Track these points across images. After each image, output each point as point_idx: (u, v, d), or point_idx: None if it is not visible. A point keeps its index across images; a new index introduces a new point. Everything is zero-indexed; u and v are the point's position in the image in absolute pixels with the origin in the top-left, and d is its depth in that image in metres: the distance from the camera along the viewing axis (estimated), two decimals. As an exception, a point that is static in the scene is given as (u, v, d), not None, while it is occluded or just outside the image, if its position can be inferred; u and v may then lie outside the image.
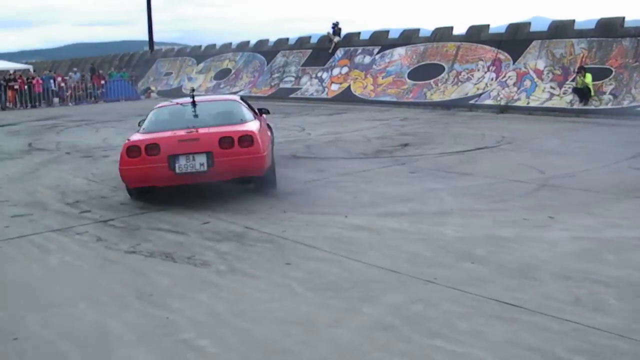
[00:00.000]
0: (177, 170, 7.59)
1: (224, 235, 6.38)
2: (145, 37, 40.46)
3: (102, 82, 31.53)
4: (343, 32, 26.88)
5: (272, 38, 30.99)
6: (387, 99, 22.04)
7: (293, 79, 26.91)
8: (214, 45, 34.26)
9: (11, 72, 35.93)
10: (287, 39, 30.13)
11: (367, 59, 24.56)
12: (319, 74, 25.92)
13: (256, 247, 5.92)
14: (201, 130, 7.80)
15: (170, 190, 8.52)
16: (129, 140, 7.96)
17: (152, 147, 7.62)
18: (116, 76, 32.71)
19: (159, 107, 9.15)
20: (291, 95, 25.62)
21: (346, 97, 23.26)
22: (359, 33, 26.83)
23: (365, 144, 12.48)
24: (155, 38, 41.29)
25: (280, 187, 8.54)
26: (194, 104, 8.54)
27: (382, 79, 23.26)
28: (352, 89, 23.91)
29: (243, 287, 4.91)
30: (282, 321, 4.24)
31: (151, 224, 6.96)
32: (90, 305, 4.70)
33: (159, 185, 8.00)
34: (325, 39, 27.26)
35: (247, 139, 7.69)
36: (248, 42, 32.01)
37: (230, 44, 33.19)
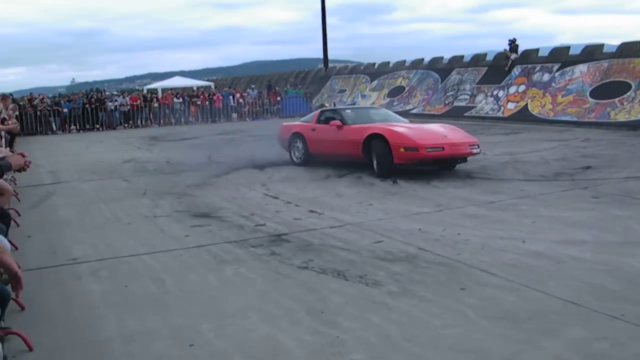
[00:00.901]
0: None
1: (397, 255, 6.32)
2: (320, 55, 41.49)
3: (278, 98, 32.69)
4: (520, 49, 26.13)
5: (447, 55, 30.74)
6: (567, 118, 21.13)
7: (468, 97, 26.49)
8: (388, 62, 34.47)
9: (194, 88, 38.18)
10: (462, 56, 29.74)
11: (546, 77, 23.70)
12: (495, 92, 25.34)
13: (429, 270, 5.81)
14: None
15: (342, 208, 8.63)
16: None
17: None
18: (291, 93, 33.76)
19: None
20: (466, 114, 25.21)
21: (523, 116, 22.56)
22: (538, 49, 25.97)
23: (544, 165, 11.99)
24: (330, 56, 42.21)
25: (455, 208, 8.40)
26: None
27: (562, 97, 22.34)
28: (530, 107, 23.15)
29: (415, 310, 4.81)
30: (455, 349, 4.11)
31: (324, 241, 7.04)
32: (263, 318, 4.79)
33: None
34: (501, 56, 26.65)
35: None
36: (422, 59, 31.93)
37: (404, 61, 33.25)
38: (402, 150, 10.99)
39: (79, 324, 4.84)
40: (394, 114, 14.43)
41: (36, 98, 29.82)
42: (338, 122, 12.65)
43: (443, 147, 11.06)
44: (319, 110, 14.43)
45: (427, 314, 4.73)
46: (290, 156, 13.81)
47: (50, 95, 35.31)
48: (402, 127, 11.96)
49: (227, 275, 5.96)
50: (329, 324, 4.59)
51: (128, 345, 4.40)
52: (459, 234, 7.03)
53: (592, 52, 23.06)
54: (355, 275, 5.72)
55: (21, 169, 4.90)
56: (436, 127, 12.51)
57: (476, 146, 11.60)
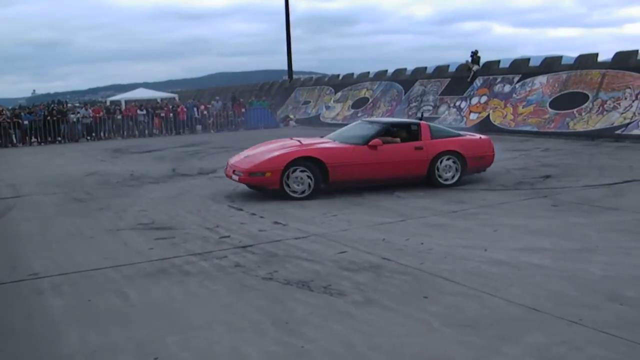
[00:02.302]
0: None
1: (361, 265, 6.36)
2: (285, 67, 41.57)
3: (243, 110, 32.63)
4: (483, 60, 26.51)
5: (410, 67, 31.03)
6: (528, 128, 21.46)
7: (431, 108, 26.75)
8: (352, 74, 34.69)
9: (158, 100, 37.96)
10: (425, 68, 30.07)
11: (507, 88, 24.07)
12: (458, 103, 25.64)
13: (393, 279, 5.86)
14: None
15: (306, 219, 8.67)
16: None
17: None
18: (256, 104, 33.73)
19: None
20: (429, 125, 25.45)
21: (485, 127, 22.79)
22: (499, 61, 26.36)
23: (505, 175, 12.18)
24: (295, 67, 42.39)
25: (418, 218, 8.49)
26: None
27: (523, 108, 22.69)
28: (492, 118, 23.47)
29: (379, 320, 4.86)
30: (419, 357, 4.16)
31: (288, 252, 7.06)
32: (228, 330, 4.80)
33: None
34: (463, 68, 26.99)
35: None
36: (386, 71, 32.20)
37: (368, 73, 33.51)
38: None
39: (41, 340, 4.78)
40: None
41: (-5, 111, 29.36)
42: None
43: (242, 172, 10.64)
44: None
45: (391, 322, 4.78)
46: None
47: (10, 107, 34.75)
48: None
49: (191, 287, 5.94)
50: (294, 334, 4.61)
51: (91, 360, 4.36)
52: (422, 243, 7.11)
53: (551, 64, 23.49)
54: (320, 285, 5.75)
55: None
56: (272, 147, 11.44)
57: (243, 173, 10.54)
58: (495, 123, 23.00)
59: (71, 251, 7.58)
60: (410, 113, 27.40)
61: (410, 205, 9.55)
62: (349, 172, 10.65)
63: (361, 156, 10.76)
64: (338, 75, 36.07)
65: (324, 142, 11.48)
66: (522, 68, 24.61)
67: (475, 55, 26.49)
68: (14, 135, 27.96)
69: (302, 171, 10.42)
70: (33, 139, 28.34)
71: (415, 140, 11.21)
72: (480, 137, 12.11)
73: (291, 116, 33.95)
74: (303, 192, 10.44)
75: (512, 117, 22.78)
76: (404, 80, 29.85)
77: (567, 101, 21.28)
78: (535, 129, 21.15)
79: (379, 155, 10.80)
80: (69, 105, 37.92)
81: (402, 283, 5.74)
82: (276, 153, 10.75)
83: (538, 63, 24.16)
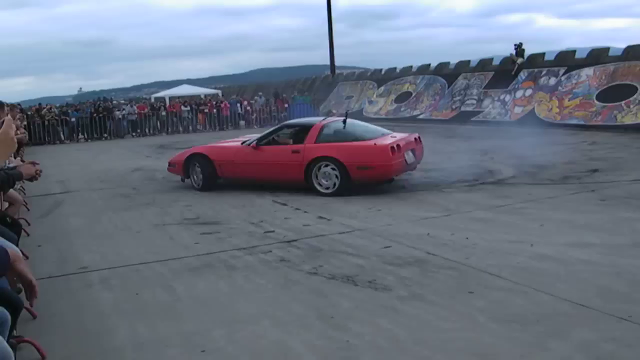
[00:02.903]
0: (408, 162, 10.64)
1: (405, 260, 6.34)
2: (327, 62, 41.53)
3: (286, 105, 32.70)
4: (527, 53, 26.11)
5: (453, 60, 30.72)
6: (574, 122, 21.08)
7: (475, 101, 26.48)
8: (395, 68, 34.48)
9: (202, 97, 38.29)
10: (469, 61, 29.71)
11: (553, 81, 23.67)
12: (502, 97, 25.32)
13: (438, 274, 5.83)
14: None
15: (350, 214, 8.67)
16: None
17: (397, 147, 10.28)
18: (299, 100, 33.77)
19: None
20: (473, 119, 25.20)
21: (530, 121, 22.50)
22: (544, 54, 25.91)
23: (551, 169, 11.99)
24: (337, 62, 42.27)
25: (463, 213, 8.43)
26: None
27: (569, 101, 22.30)
28: (537, 111, 23.12)
29: (424, 314, 4.84)
30: (464, 352, 4.14)
31: (333, 247, 7.07)
32: (273, 324, 4.83)
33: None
34: (508, 61, 26.62)
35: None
36: (429, 64, 31.92)
37: (411, 67, 33.24)
38: None
39: (91, 332, 4.88)
40: None
41: (44, 108, 29.94)
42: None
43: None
44: None
45: (436, 317, 4.76)
46: None
47: (58, 105, 35.38)
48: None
49: (237, 281, 5.99)
50: (339, 329, 4.63)
51: (139, 353, 4.44)
52: (467, 238, 7.06)
53: (598, 56, 23.02)
54: (365, 280, 5.75)
55: (32, 178, 4.95)
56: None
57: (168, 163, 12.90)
58: (541, 116, 22.65)
59: (119, 245, 7.71)
60: (454, 107, 27.17)
61: (455, 199, 9.48)
62: (232, 170, 11.61)
63: (244, 156, 11.44)
64: (381, 70, 35.88)
65: (227, 142, 13.15)
66: (567, 60, 24.17)
67: (519, 48, 26.10)
68: (61, 132, 28.50)
69: (197, 166, 11.86)
70: (80, 136, 28.85)
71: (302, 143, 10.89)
72: (376, 144, 10.40)
73: (334, 111, 33.89)
74: (199, 184, 11.83)
75: (557, 110, 22.41)
76: (448, 74, 29.57)
77: (614, 93, 20.83)
78: (582, 122, 20.77)
79: (261, 156, 11.22)
80: (115, 102, 38.45)
81: (447, 278, 5.71)
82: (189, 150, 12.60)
83: (584, 55, 23.68)
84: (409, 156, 10.82)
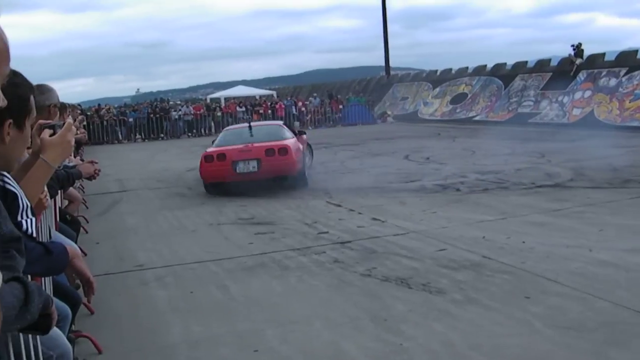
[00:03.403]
0: (238, 171, 11.28)
1: (461, 263, 6.26)
2: (382, 63, 41.41)
3: (340, 106, 32.72)
4: (586, 53, 25.59)
5: (510, 61, 30.31)
6: (636, 124, 20.55)
7: (532, 103, 26.08)
8: (450, 69, 34.21)
9: (257, 97, 38.58)
10: (526, 62, 29.27)
11: (613, 82, 23.13)
12: (560, 98, 24.86)
13: (494, 278, 5.74)
14: (255, 145, 11.52)
15: (405, 216, 8.62)
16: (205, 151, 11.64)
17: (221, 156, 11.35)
18: (354, 101, 33.76)
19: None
20: (530, 120, 24.81)
21: (589, 123, 22.04)
22: (604, 54, 25.35)
23: (611, 172, 11.69)
24: (392, 63, 42.13)
25: (519, 216, 8.29)
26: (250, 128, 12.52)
27: (630, 102, 21.76)
28: (596, 113, 22.63)
29: (479, 319, 4.77)
30: (520, 358, 4.07)
31: (387, 248, 7.03)
32: (326, 325, 4.82)
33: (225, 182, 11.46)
34: (566, 61, 26.13)
35: (283, 150, 11.34)
36: (485, 65, 31.56)
37: (467, 68, 32.94)
38: None
39: (146, 329, 4.95)
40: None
41: (103, 108, 30.58)
42: None
43: None
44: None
45: (491, 322, 4.68)
46: None
47: (116, 105, 36.14)
48: None
49: (290, 282, 6.01)
50: (392, 332, 4.59)
51: (193, 351, 4.48)
52: (523, 242, 6.93)
53: (661, 55, 22.46)
54: (419, 283, 5.70)
55: (91, 177, 5.05)
56: None
57: None
58: (600, 118, 22.17)
59: (174, 244, 7.81)
60: (510, 108, 26.81)
61: (511, 202, 9.34)
62: None
63: None
64: (436, 71, 35.63)
65: None
66: (629, 61, 23.57)
67: (578, 48, 25.59)
68: (119, 132, 29.07)
69: None
70: (137, 136, 29.38)
71: None
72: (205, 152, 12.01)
73: (389, 112, 33.80)
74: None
75: (618, 112, 21.89)
76: (504, 75, 29.18)
77: (680, 95, 20.29)
78: (644, 125, 20.27)
79: None
80: (171, 103, 39.05)
81: (503, 282, 5.62)
82: None
83: (647, 54, 23.15)
84: (243, 166, 11.38)
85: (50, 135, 2.62)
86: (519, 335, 4.42)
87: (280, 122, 15.01)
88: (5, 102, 1.13)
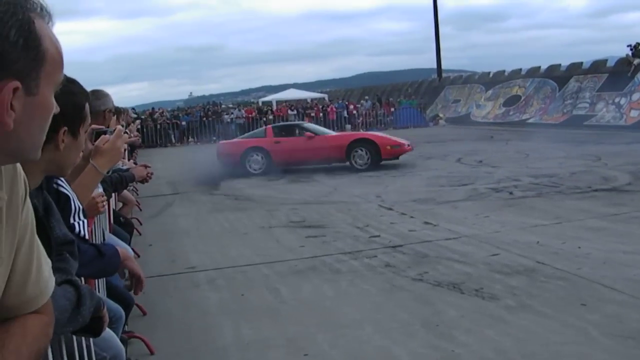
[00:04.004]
0: None
1: (514, 268, 6.15)
2: (434, 65, 41.16)
3: (392, 109, 32.62)
4: (644, 54, 25.02)
5: (565, 62, 29.81)
6: (696, 126, 20.02)
7: (587, 105, 25.59)
8: (503, 71, 33.82)
9: (308, 100, 38.71)
10: (581, 63, 28.76)
11: (674, 82, 22.55)
12: (617, 100, 24.34)
13: (548, 284, 5.61)
14: None
15: (457, 220, 8.52)
16: None
17: None
18: (405, 104, 33.64)
19: None
20: (585, 123, 24.36)
21: (647, 125, 21.55)
22: (664, 53, 24.78)
23: (671, 176, 11.40)
24: (444, 65, 41.85)
25: (575, 221, 8.12)
26: None
27: (690, 104, 21.20)
28: (654, 115, 22.10)
29: (533, 326, 4.66)
30: (577, 367, 3.97)
31: (439, 253, 6.95)
32: (377, 330, 4.78)
33: None
34: (623, 62, 25.57)
35: None
36: (539, 67, 31.12)
37: (520, 69, 32.53)
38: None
39: (197, 331, 4.98)
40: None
41: (156, 112, 31.04)
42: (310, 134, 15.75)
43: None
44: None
45: (546, 329, 4.57)
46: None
47: (170, 109, 36.68)
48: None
49: (341, 286, 5.98)
50: (444, 338, 4.52)
51: (244, 353, 4.49)
52: (579, 247, 6.78)
53: None
54: (471, 288, 5.61)
55: (143, 180, 5.11)
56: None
57: None
58: (659, 120, 21.64)
59: (226, 246, 7.86)
60: (565, 111, 26.36)
61: (566, 207, 9.15)
62: None
63: None
64: (489, 73, 35.27)
65: None
66: (689, 61, 23.01)
67: (636, 49, 25.01)
68: (173, 135, 29.46)
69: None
70: (190, 139, 29.71)
71: None
72: None
73: (441, 115, 33.58)
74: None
75: (677, 114, 21.35)
76: (558, 76, 28.72)
77: None
78: None
79: None
80: (223, 106, 39.42)
81: (557, 289, 5.49)
82: None
83: None
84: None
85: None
86: (574, 343, 4.31)
87: None
88: (59, 109, 1.14)
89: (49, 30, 1.08)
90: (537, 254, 6.62)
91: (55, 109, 1.13)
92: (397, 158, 15.67)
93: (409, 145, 15.67)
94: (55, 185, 2.25)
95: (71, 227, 2.17)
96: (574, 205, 9.27)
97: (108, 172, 3.10)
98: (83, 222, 2.38)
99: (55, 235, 1.64)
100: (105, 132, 2.74)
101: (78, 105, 2.04)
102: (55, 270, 1.33)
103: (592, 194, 10.09)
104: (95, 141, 2.84)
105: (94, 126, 2.74)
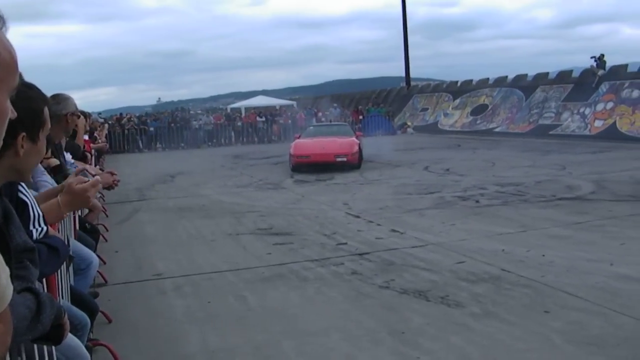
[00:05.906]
0: None
1: (479, 276, 6.20)
2: (403, 73, 41.36)
3: (361, 117, 32.72)
4: (608, 65, 25.40)
5: (531, 72, 30.18)
6: (659, 136, 20.37)
7: (553, 114, 25.93)
8: (471, 80, 34.13)
9: (277, 107, 38.69)
10: (547, 73, 29.16)
11: (636, 93, 22.94)
12: (581, 110, 24.70)
13: (513, 291, 5.67)
14: None
15: (424, 228, 8.57)
16: None
17: None
18: (374, 112, 33.76)
19: None
20: (551, 132, 24.68)
21: (611, 135, 21.87)
22: (627, 65, 25.16)
23: (633, 185, 11.58)
24: (413, 74, 42.03)
25: (539, 229, 8.22)
26: None
27: (653, 114, 21.56)
28: (618, 125, 22.45)
29: (498, 333, 4.71)
30: (540, 374, 4.01)
31: (405, 260, 6.98)
32: (343, 337, 4.78)
33: None
34: (588, 73, 25.96)
35: None
36: (506, 77, 31.48)
37: (488, 79, 32.86)
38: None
39: (163, 338, 4.94)
40: None
41: (124, 117, 30.79)
42: None
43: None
44: None
45: (510, 337, 4.62)
46: None
47: (138, 114, 36.38)
48: None
49: (308, 293, 5.98)
50: (409, 345, 4.55)
51: (210, 361, 4.46)
52: (543, 255, 6.86)
53: (686, 66, 22.26)
54: (437, 295, 5.65)
55: (110, 187, 5.07)
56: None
57: None
58: (622, 130, 21.98)
59: (192, 253, 7.81)
60: (531, 120, 26.67)
61: (531, 215, 9.26)
62: None
63: None
64: (456, 82, 35.57)
65: None
66: (653, 72, 23.40)
67: (600, 60, 25.43)
68: (140, 141, 29.23)
69: None
70: (158, 145, 29.52)
71: None
72: None
73: (409, 123, 33.77)
74: None
75: (640, 124, 21.70)
76: (525, 86, 29.07)
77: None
78: (668, 137, 20.06)
79: None
80: (192, 112, 39.23)
81: (522, 296, 5.55)
82: None
83: (671, 65, 22.97)
84: None
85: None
86: (538, 350, 4.36)
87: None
88: (15, 114, 1.13)
89: (2, 35, 1.06)
90: (502, 261, 6.69)
91: (12, 114, 1.11)
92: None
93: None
94: (16, 193, 2.23)
95: (29, 234, 2.15)
96: (539, 213, 9.39)
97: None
98: (42, 229, 2.36)
99: (15, 242, 1.62)
100: (84, 174, 2.79)
101: (36, 110, 2.03)
102: (15, 277, 1.32)
103: (556, 203, 10.22)
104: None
105: (80, 167, 2.78)
